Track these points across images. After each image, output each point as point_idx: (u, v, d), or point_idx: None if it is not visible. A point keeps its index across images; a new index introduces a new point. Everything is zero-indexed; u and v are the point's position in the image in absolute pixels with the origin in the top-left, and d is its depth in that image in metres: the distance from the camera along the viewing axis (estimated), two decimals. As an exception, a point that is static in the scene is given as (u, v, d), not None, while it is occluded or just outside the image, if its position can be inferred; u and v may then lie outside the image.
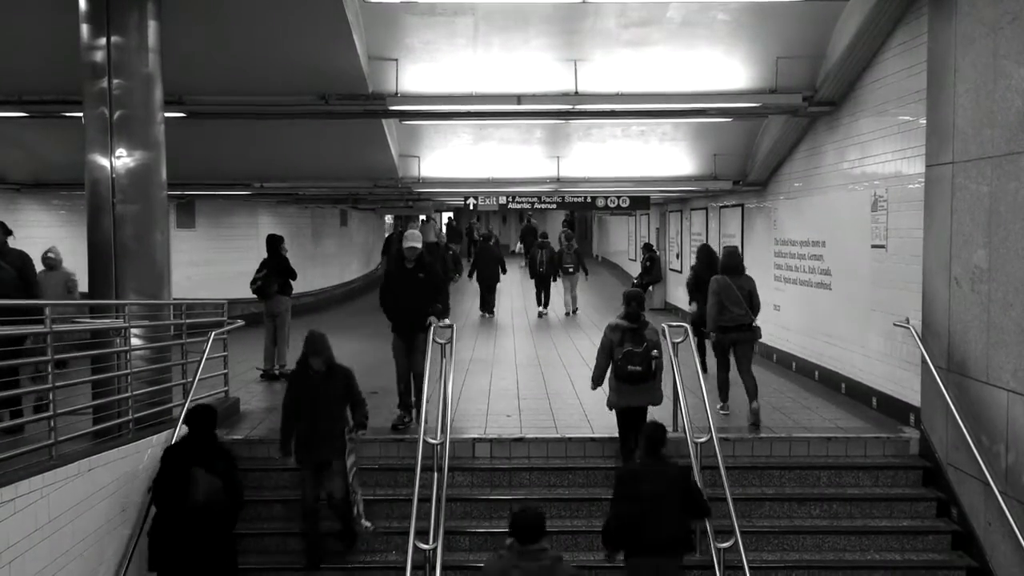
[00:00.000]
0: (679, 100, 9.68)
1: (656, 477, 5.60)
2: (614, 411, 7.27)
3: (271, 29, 7.86)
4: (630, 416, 7.12)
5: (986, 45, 6.31)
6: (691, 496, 5.67)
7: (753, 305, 8.31)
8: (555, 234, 25.45)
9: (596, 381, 7.31)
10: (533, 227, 29.14)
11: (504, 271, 17.99)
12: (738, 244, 13.56)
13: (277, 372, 10.60)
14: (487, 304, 17.52)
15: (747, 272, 8.53)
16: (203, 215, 17.64)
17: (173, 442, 6.58)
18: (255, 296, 10.84)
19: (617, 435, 7.38)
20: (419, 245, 8.03)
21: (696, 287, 9.91)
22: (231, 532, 6.05)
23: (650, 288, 18.69)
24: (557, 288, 18.08)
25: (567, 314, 17.46)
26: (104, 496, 6.01)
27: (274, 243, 10.93)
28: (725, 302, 8.14)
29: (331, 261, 22.81)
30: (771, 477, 7.44)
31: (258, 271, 10.82)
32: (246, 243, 17.40)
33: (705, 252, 10.26)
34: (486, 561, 5.32)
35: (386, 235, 26.43)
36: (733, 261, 8.50)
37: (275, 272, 10.76)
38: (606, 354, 7.10)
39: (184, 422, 6.29)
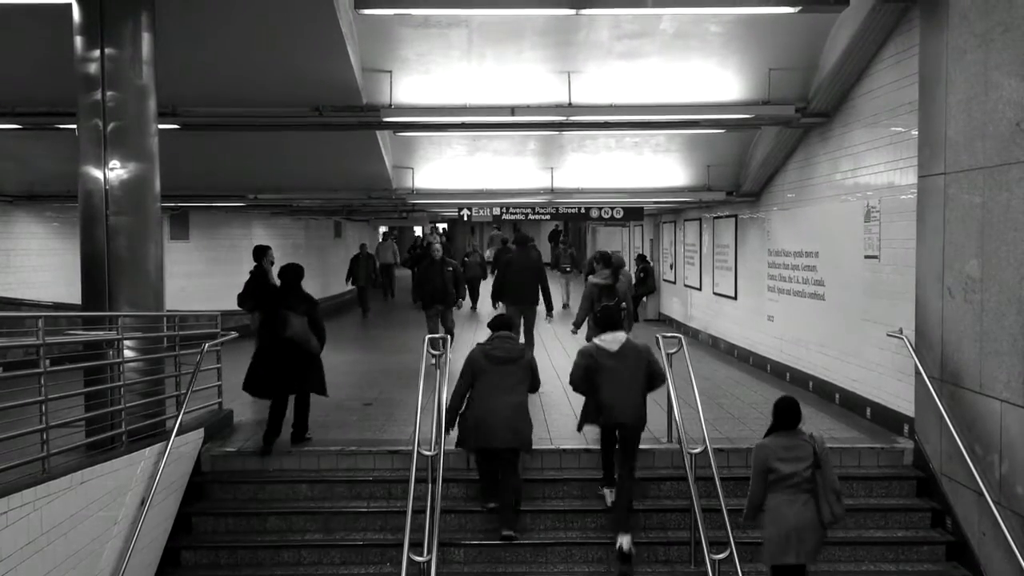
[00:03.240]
0: (672, 111, 9.72)
1: (524, 261, 10.70)
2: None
3: (265, 41, 7.87)
4: None
5: (977, 56, 6.35)
6: (542, 275, 10.56)
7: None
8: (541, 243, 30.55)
9: (577, 326, 9.48)
10: (525, 236, 29.53)
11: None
12: (732, 255, 13.65)
13: None
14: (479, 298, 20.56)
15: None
16: (197, 227, 17.61)
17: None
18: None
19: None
20: None
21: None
22: (318, 357, 7.81)
23: (644, 299, 18.76)
24: (555, 288, 18.42)
25: (564, 306, 19.25)
26: (97, 509, 5.97)
27: (256, 255, 10.66)
28: (601, 294, 10.27)
29: (327, 271, 22.81)
30: (766, 488, 7.44)
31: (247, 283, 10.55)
32: (240, 255, 17.38)
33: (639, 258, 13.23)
34: (470, 352, 7.08)
35: (353, 254, 21.58)
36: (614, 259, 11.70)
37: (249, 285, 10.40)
38: (586, 309, 9.10)
39: (278, 276, 8.00)
